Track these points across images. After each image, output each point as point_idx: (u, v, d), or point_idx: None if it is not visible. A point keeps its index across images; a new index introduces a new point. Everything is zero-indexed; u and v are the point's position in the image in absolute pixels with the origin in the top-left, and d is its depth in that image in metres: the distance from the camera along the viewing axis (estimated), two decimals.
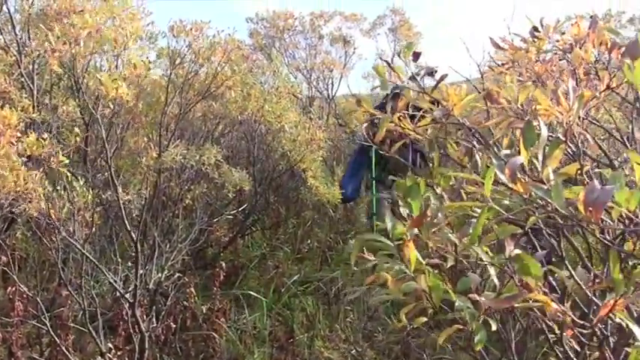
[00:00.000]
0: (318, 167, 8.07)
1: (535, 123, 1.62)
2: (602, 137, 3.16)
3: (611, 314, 1.44)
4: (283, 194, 9.47)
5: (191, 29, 6.62)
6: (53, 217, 4.56)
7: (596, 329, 1.45)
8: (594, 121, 2.24)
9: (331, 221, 9.82)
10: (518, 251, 1.66)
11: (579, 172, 1.77)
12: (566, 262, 1.83)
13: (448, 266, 1.84)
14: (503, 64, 2.76)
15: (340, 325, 6.81)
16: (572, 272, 1.73)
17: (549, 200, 1.45)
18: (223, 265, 6.57)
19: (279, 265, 8.38)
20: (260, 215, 9.00)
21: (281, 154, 8.16)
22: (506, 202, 1.69)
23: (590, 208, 1.35)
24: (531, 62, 2.55)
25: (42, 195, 4.48)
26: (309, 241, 9.47)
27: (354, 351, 6.32)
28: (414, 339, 6.53)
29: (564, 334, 1.82)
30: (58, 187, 4.75)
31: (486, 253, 1.77)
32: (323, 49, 12.70)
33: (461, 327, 1.68)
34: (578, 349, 1.98)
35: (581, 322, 1.43)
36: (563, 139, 1.78)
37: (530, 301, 1.47)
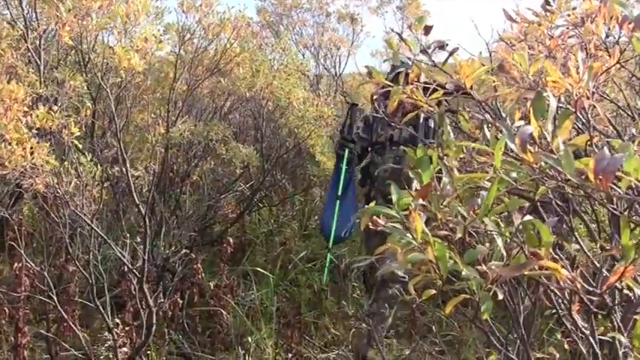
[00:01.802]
0: (325, 144, 8.06)
1: (545, 94, 1.62)
2: (610, 114, 3.15)
3: (619, 284, 1.44)
4: (290, 171, 9.45)
5: (201, 5, 6.62)
6: (61, 191, 4.56)
7: (606, 297, 1.45)
8: (604, 96, 2.24)
9: None
10: (529, 217, 1.66)
11: (589, 143, 1.77)
12: (576, 234, 1.83)
13: (457, 238, 1.84)
14: (515, 40, 2.76)
15: (347, 302, 6.82)
16: (581, 243, 1.74)
17: (559, 169, 1.45)
18: (230, 241, 6.58)
19: (286, 241, 8.39)
20: (267, 192, 9.00)
21: (288, 130, 8.16)
22: (514, 174, 1.69)
23: (600, 177, 1.35)
24: (544, 36, 2.55)
25: (50, 169, 4.48)
26: (316, 218, 9.47)
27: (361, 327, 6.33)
28: (421, 316, 6.55)
29: (572, 306, 1.83)
30: (66, 162, 4.76)
31: (496, 223, 1.77)
32: (330, 27, 12.66)
33: (467, 297, 1.67)
34: (585, 324, 1.98)
35: (591, 289, 1.43)
36: (573, 110, 1.77)
37: (539, 269, 1.48)
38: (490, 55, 3.32)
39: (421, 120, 5.89)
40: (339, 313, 6.67)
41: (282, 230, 8.99)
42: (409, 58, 5.67)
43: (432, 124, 5.91)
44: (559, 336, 3.83)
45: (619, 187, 1.49)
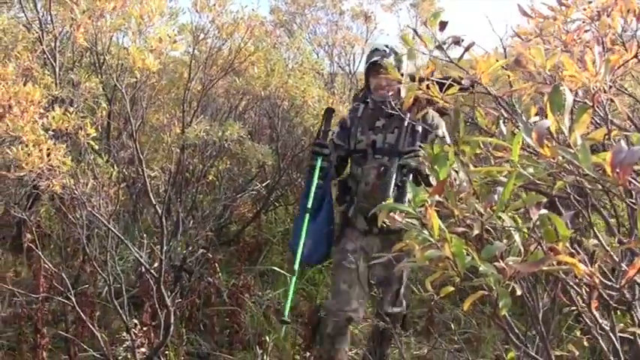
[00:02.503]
0: None
1: (562, 88, 1.61)
2: (628, 109, 3.13)
3: (639, 279, 1.43)
4: (306, 170, 9.44)
5: (214, 5, 6.63)
6: (77, 192, 4.58)
7: (625, 291, 1.44)
8: (621, 90, 2.23)
9: None
10: (544, 211, 1.65)
11: (607, 137, 1.76)
12: (595, 229, 1.82)
13: (474, 235, 1.83)
14: (530, 34, 2.75)
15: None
16: (600, 237, 1.73)
17: (576, 162, 1.44)
18: (247, 240, 6.59)
19: None
20: (283, 191, 9.00)
21: (304, 129, 8.15)
22: (531, 170, 1.68)
23: (618, 170, 1.35)
24: (559, 31, 2.54)
25: (66, 170, 4.50)
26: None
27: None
28: (439, 313, 6.54)
29: (592, 301, 1.82)
30: (82, 163, 4.77)
31: (512, 218, 1.76)
32: (344, 25, 12.66)
33: (485, 293, 1.67)
34: (605, 321, 1.97)
35: (610, 284, 1.43)
36: (590, 104, 1.77)
37: (557, 264, 1.47)
38: (505, 51, 3.31)
39: (405, 123, 4.95)
40: None
41: None
42: (386, 46, 4.92)
43: (419, 128, 4.94)
44: (578, 333, 3.82)
45: (638, 182, 1.49)
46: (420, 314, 6.57)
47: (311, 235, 5.01)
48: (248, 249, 7.31)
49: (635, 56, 2.09)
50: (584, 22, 2.48)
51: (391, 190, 4.73)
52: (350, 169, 5.26)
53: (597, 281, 1.41)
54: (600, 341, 1.94)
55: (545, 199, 1.91)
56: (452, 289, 1.92)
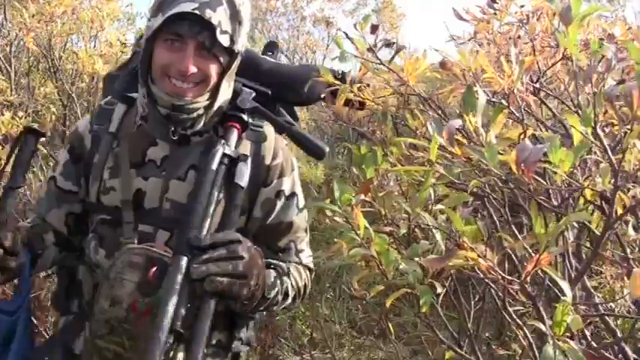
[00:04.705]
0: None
1: (475, 89, 1.65)
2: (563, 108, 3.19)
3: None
4: None
5: None
6: (29, 198, 4.56)
7: (526, 285, 1.47)
8: (549, 92, 2.27)
9: (315, 200, 9.74)
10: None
11: (523, 137, 1.80)
12: (512, 225, 1.86)
13: (401, 234, 1.86)
14: (469, 37, 2.79)
15: (320, 305, 6.81)
16: (517, 233, 1.77)
17: (484, 161, 1.48)
18: None
19: None
20: None
21: None
22: (457, 170, 1.71)
23: (523, 167, 1.38)
24: (494, 34, 2.58)
25: None
26: None
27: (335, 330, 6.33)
28: (396, 317, 6.56)
29: (505, 298, 1.86)
30: (35, 169, 4.76)
31: (439, 217, 1.79)
32: (305, 30, 12.69)
33: (409, 290, 1.70)
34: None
35: (511, 278, 1.46)
36: (506, 105, 1.81)
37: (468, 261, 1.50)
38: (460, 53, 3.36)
39: (216, 161, 1.99)
40: (313, 317, 6.65)
41: None
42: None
43: (244, 176, 2.02)
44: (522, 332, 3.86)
45: (545, 181, 1.53)
46: (375, 318, 6.59)
47: None
48: None
49: (564, 57, 2.13)
50: (516, 25, 2.52)
51: (162, 342, 1.73)
52: (87, 247, 2.21)
53: (499, 276, 1.44)
54: (520, 337, 1.98)
55: (472, 198, 1.95)
56: (382, 287, 1.95)
